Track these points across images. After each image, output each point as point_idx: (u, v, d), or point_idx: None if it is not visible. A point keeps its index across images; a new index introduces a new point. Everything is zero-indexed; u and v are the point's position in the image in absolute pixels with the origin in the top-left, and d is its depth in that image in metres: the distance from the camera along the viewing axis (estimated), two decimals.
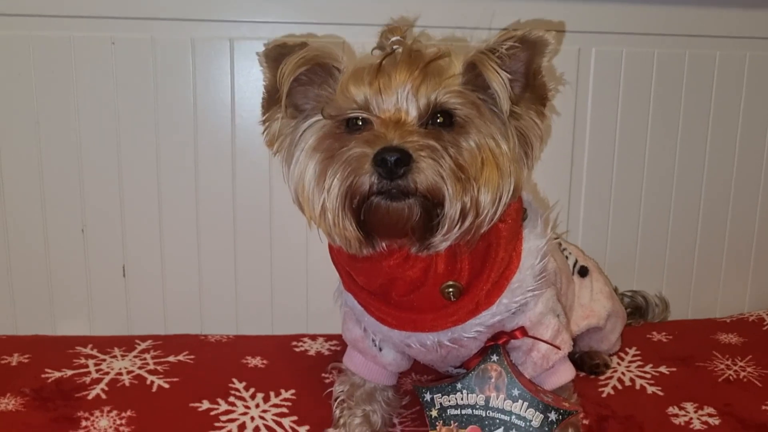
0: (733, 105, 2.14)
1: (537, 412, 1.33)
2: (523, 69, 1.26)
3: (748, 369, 1.83)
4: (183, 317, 2.04)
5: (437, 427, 1.37)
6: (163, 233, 1.98)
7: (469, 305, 1.30)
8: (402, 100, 1.19)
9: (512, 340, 1.38)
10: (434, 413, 1.38)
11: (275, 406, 1.63)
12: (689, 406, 1.65)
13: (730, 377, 1.80)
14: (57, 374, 1.72)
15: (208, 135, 1.93)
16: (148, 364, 1.79)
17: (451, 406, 1.37)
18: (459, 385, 1.36)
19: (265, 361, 1.83)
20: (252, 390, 1.69)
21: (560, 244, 1.76)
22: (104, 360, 1.80)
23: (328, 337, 1.98)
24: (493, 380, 1.35)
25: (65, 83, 1.86)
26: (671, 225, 2.19)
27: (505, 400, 1.34)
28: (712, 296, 2.28)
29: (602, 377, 1.79)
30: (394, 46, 1.24)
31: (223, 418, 1.57)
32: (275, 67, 1.26)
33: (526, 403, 1.33)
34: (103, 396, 1.64)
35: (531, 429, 1.33)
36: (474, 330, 1.33)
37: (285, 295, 2.06)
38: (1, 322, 1.99)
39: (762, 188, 2.23)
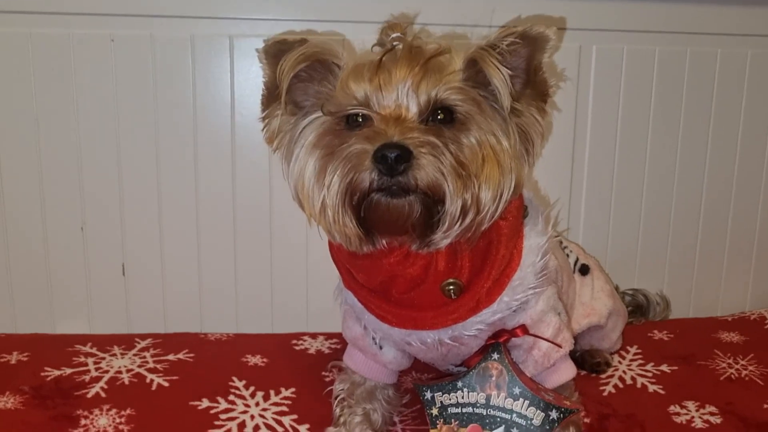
0: (735, 103, 2.14)
1: (538, 411, 1.32)
2: (524, 65, 1.25)
3: (750, 368, 1.83)
4: (183, 315, 2.03)
5: (438, 426, 1.37)
6: (162, 231, 1.98)
7: (469, 303, 1.30)
8: (402, 97, 1.19)
9: (513, 339, 1.38)
10: (435, 412, 1.37)
11: (275, 404, 1.62)
12: (691, 405, 1.64)
13: (732, 376, 1.79)
14: (56, 372, 1.71)
15: (208, 133, 1.93)
16: (147, 362, 1.78)
17: (451, 405, 1.36)
18: (460, 384, 1.36)
19: (265, 360, 1.83)
20: (252, 388, 1.68)
21: (561, 242, 1.76)
22: (104, 358, 1.80)
23: (329, 336, 1.97)
24: (494, 378, 1.35)
25: (64, 81, 1.86)
26: (672, 223, 2.19)
27: (506, 398, 1.34)
28: (713, 295, 2.28)
29: (603, 376, 1.78)
30: (395, 43, 1.23)
31: (223, 416, 1.57)
32: (275, 64, 1.25)
33: (527, 402, 1.33)
34: (103, 394, 1.63)
35: (532, 427, 1.33)
36: (475, 328, 1.32)
37: (285, 293, 2.05)
38: (1, 321, 1.99)
39: (763, 186, 2.23)
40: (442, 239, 1.20)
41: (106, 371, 1.73)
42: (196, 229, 1.99)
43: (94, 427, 1.50)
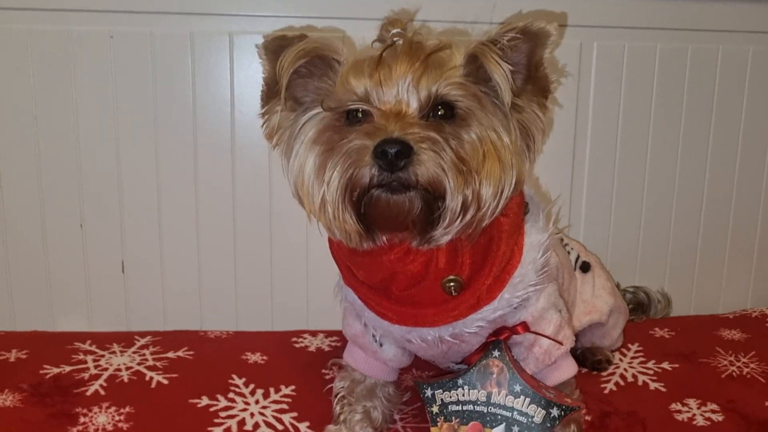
0: (736, 100, 2.13)
1: (539, 408, 1.32)
2: (525, 61, 1.25)
3: (752, 365, 1.82)
4: (182, 313, 2.03)
5: (438, 424, 1.36)
6: (162, 229, 1.97)
7: (470, 300, 1.29)
8: (403, 92, 1.18)
9: (514, 336, 1.37)
10: (435, 409, 1.36)
11: (275, 402, 1.61)
12: (692, 403, 1.64)
13: (734, 373, 1.78)
14: (55, 370, 1.71)
15: (208, 130, 1.92)
16: (147, 360, 1.78)
17: (452, 402, 1.35)
18: (460, 381, 1.35)
19: (265, 357, 1.82)
20: (252, 386, 1.68)
21: (562, 240, 1.75)
22: (103, 356, 1.79)
23: (329, 333, 1.97)
24: (494, 376, 1.34)
25: (63, 78, 1.85)
26: (673, 220, 2.18)
27: (506, 396, 1.33)
28: (714, 292, 2.27)
29: (604, 373, 1.78)
30: (395, 39, 1.23)
31: (223, 414, 1.56)
32: (274, 60, 1.24)
33: (528, 399, 1.32)
34: (102, 392, 1.62)
35: (533, 425, 1.32)
36: (475, 325, 1.32)
37: (285, 290, 2.05)
38: (0, 318, 1.98)
39: (765, 183, 2.22)
40: (443, 235, 1.19)
41: (106, 369, 1.73)
42: (196, 226, 1.98)
43: (93, 424, 1.50)
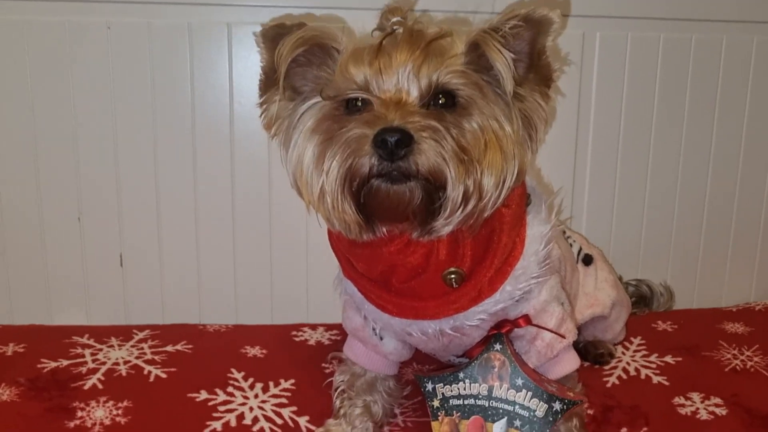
0: (740, 91, 2.11)
1: (541, 402, 1.31)
2: (527, 49, 1.23)
3: (755, 359, 1.81)
4: (181, 307, 2.01)
5: (439, 418, 1.35)
6: (160, 221, 1.96)
7: (471, 292, 1.28)
8: (403, 81, 1.16)
9: (516, 329, 1.35)
10: (436, 403, 1.35)
11: (274, 396, 1.61)
12: (696, 396, 1.62)
13: (737, 367, 1.77)
14: (53, 364, 1.70)
15: (206, 122, 1.91)
16: (145, 353, 1.77)
17: (453, 396, 1.34)
18: (461, 375, 1.34)
19: (264, 351, 1.81)
20: (251, 380, 1.67)
21: (564, 232, 1.74)
22: (101, 350, 1.78)
23: (329, 327, 1.96)
24: (496, 369, 1.33)
25: (61, 69, 1.84)
26: (677, 212, 2.17)
27: (508, 389, 1.32)
28: (717, 285, 2.26)
29: (607, 367, 1.76)
30: (395, 27, 1.21)
31: (222, 408, 1.55)
32: (273, 48, 1.23)
33: (530, 393, 1.31)
34: (100, 386, 1.61)
35: (535, 419, 1.31)
36: (477, 318, 1.30)
37: (284, 284, 2.04)
38: None
39: None
40: (444, 226, 1.18)
41: (104, 363, 1.72)
42: (195, 219, 1.96)
43: (90, 419, 1.49)
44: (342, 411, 1.48)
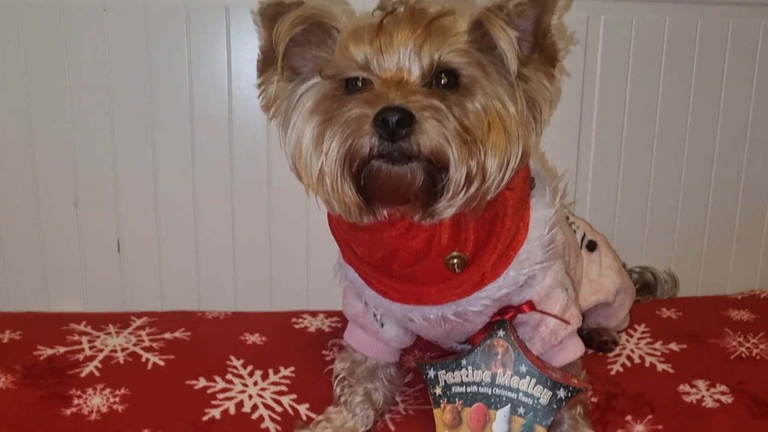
0: (747, 75, 2.08)
1: (545, 389, 1.29)
2: (532, 28, 1.20)
3: (761, 346, 1.79)
4: (179, 293, 2.00)
5: (441, 405, 1.34)
6: (158, 207, 1.94)
7: (474, 277, 1.25)
8: (404, 59, 1.13)
9: (519, 315, 1.33)
10: (438, 391, 1.34)
11: (274, 383, 1.59)
12: (701, 384, 1.61)
13: (743, 354, 1.75)
14: (49, 351, 1.68)
15: (204, 107, 1.88)
16: (143, 341, 1.75)
17: (455, 384, 1.33)
18: (464, 362, 1.32)
19: (263, 338, 1.80)
20: (250, 367, 1.65)
21: (568, 218, 1.71)
22: (98, 337, 1.76)
23: (329, 314, 1.94)
24: (499, 356, 1.31)
25: (55, 52, 1.81)
26: (681, 199, 2.14)
27: (512, 377, 1.30)
28: (722, 272, 2.24)
29: (611, 354, 1.75)
30: (396, 6, 1.18)
31: (220, 396, 1.54)
32: (271, 27, 1.19)
33: (533, 380, 1.29)
34: (97, 373, 1.60)
35: (539, 406, 1.29)
36: (479, 303, 1.28)
37: (284, 270, 2.01)
38: None
39: None
40: (446, 209, 1.15)
41: (101, 350, 1.70)
42: (193, 204, 1.94)
43: (87, 406, 1.47)
44: (342, 399, 1.46)
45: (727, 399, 1.55)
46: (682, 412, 1.51)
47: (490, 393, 1.31)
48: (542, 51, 1.22)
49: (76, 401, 1.49)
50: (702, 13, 2.00)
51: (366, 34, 1.15)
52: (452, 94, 1.14)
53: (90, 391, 1.52)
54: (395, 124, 1.05)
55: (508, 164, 1.16)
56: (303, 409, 1.50)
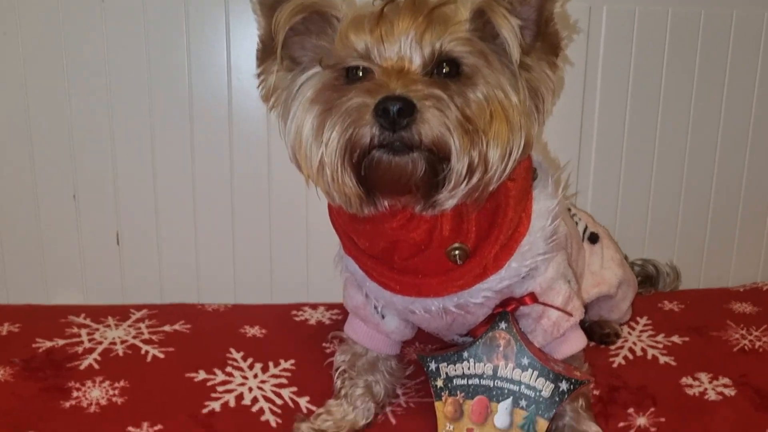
0: (750, 67, 2.07)
1: (547, 382, 1.28)
2: (535, 16, 1.18)
3: (764, 339, 1.78)
4: (179, 285, 1.99)
5: (443, 398, 1.33)
6: (157, 199, 1.92)
7: (476, 269, 1.24)
8: (405, 48, 1.12)
9: (522, 307, 1.32)
10: (440, 383, 1.33)
11: (274, 376, 1.58)
12: (704, 377, 1.60)
13: (746, 347, 1.75)
14: (48, 344, 1.67)
15: (204, 97, 1.87)
16: (142, 333, 1.74)
17: (457, 376, 1.32)
18: (466, 354, 1.31)
19: (264, 331, 1.79)
20: (250, 360, 1.64)
21: (570, 210, 1.70)
22: (97, 329, 1.76)
23: (329, 306, 1.93)
24: (501, 349, 1.30)
25: (53, 43, 1.79)
26: (684, 191, 2.13)
27: (514, 369, 1.29)
28: (724, 265, 2.23)
29: (613, 347, 1.74)
30: None
31: (220, 388, 1.53)
32: (270, 16, 1.18)
33: (536, 373, 1.28)
34: (96, 366, 1.59)
35: (541, 399, 1.28)
36: (481, 295, 1.27)
37: (284, 262, 2.01)
38: None
39: None
40: (448, 199, 1.14)
41: (100, 342, 1.69)
42: (193, 196, 1.93)
43: (86, 399, 1.47)
44: (343, 391, 1.46)
45: (730, 392, 1.54)
46: (685, 404, 1.50)
47: (492, 385, 1.30)
48: (545, 40, 1.21)
49: (75, 394, 1.48)
50: (705, 4, 1.99)
51: (366, 22, 1.14)
52: (454, 84, 1.13)
53: (89, 383, 1.52)
54: (396, 114, 1.04)
55: (510, 154, 1.15)
56: (303, 401, 1.49)
